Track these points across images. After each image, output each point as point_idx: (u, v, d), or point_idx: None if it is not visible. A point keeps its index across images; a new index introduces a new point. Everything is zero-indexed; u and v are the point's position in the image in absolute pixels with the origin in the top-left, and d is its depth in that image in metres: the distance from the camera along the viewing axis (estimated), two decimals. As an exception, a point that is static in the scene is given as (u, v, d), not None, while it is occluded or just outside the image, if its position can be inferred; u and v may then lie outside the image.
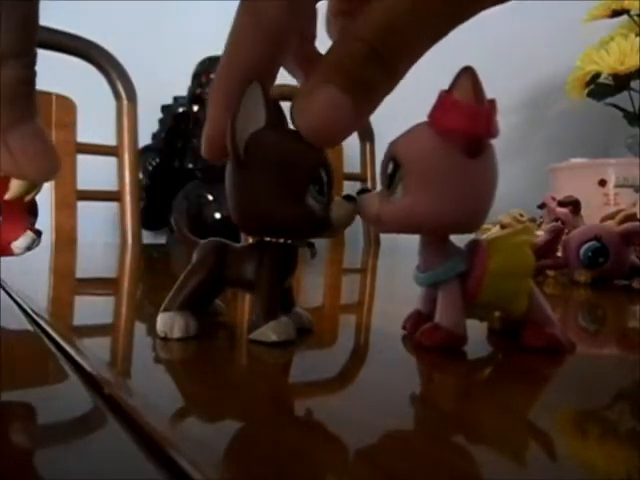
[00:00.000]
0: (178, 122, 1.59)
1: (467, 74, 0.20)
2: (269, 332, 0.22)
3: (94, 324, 0.27)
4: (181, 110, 1.60)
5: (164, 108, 1.61)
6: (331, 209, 0.22)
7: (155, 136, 1.32)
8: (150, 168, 1.56)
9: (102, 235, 1.15)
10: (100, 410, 0.16)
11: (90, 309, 0.23)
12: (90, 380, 0.18)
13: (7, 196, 0.21)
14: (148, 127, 1.25)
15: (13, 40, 0.18)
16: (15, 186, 0.21)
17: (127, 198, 0.92)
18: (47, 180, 0.21)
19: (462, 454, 0.13)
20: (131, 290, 0.44)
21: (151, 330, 0.28)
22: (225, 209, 1.50)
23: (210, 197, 1.53)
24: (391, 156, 0.21)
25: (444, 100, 0.20)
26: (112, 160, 0.90)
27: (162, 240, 1.53)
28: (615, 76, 0.75)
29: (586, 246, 0.48)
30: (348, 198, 0.22)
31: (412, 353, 0.23)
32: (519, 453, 0.13)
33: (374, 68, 0.19)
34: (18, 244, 0.22)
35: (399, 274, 0.66)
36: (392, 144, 0.22)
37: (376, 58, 0.18)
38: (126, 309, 0.35)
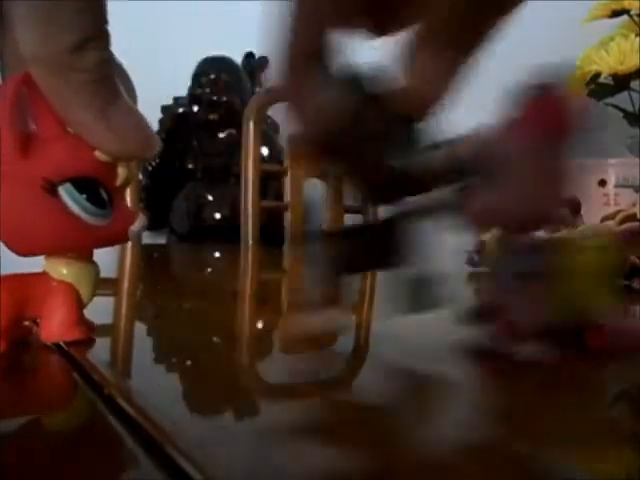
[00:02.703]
0: (178, 123, 1.59)
1: (550, 75, 0.20)
2: None
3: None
4: (181, 111, 1.60)
5: (164, 108, 1.61)
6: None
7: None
8: (150, 168, 1.56)
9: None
10: (100, 410, 0.16)
11: (90, 309, 0.23)
12: (90, 381, 0.18)
13: (117, 182, 0.21)
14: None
15: (91, 24, 0.18)
16: (122, 172, 0.21)
17: (127, 198, 0.92)
18: (151, 154, 0.21)
19: (463, 455, 0.13)
20: (131, 290, 0.44)
21: (151, 330, 0.28)
22: (225, 209, 1.50)
23: (210, 197, 1.53)
24: (486, 153, 0.21)
25: (545, 98, 0.20)
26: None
27: (162, 240, 1.53)
28: (615, 76, 0.75)
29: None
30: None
31: (411, 353, 0.23)
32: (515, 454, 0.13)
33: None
34: (135, 228, 0.22)
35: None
36: (481, 143, 0.22)
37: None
38: (126, 309, 0.35)
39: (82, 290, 0.22)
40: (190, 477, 0.11)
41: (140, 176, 1.47)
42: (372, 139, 0.20)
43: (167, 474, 0.12)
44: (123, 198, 0.22)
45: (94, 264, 0.23)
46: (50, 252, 0.22)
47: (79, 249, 0.22)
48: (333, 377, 0.20)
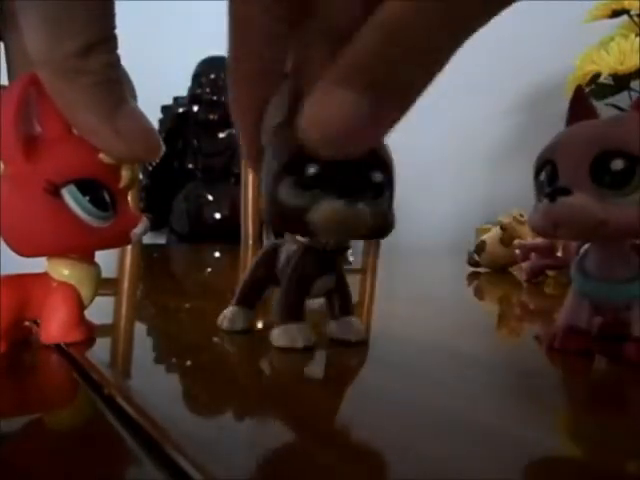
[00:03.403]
0: (178, 123, 1.60)
1: None
2: (275, 336, 0.23)
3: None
4: (181, 110, 1.60)
5: (164, 108, 1.61)
6: (312, 207, 0.18)
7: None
8: (150, 168, 1.56)
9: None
10: (100, 410, 0.16)
11: (90, 309, 0.23)
12: (90, 380, 0.18)
13: (121, 184, 0.21)
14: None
15: (99, 28, 0.18)
16: (126, 174, 0.21)
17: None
18: (155, 157, 0.21)
19: (463, 455, 0.13)
20: (131, 290, 0.44)
21: (151, 330, 0.28)
22: (225, 209, 1.50)
23: (210, 197, 1.53)
24: (617, 152, 0.19)
25: None
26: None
27: (162, 240, 1.53)
28: (615, 76, 0.75)
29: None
30: (349, 199, 0.18)
31: (412, 354, 0.23)
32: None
33: (396, 62, 0.15)
34: (137, 231, 0.22)
35: (399, 274, 0.66)
36: (611, 138, 0.19)
37: (397, 48, 0.15)
38: (126, 309, 0.35)
39: (83, 291, 0.22)
40: (190, 477, 0.11)
41: (140, 176, 1.48)
42: None
43: (167, 474, 0.12)
44: (126, 200, 0.22)
45: (96, 265, 0.23)
46: (52, 253, 0.22)
47: (81, 251, 0.22)
48: (333, 376, 0.20)
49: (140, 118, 0.20)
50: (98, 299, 0.23)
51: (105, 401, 0.16)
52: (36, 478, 0.12)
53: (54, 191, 0.19)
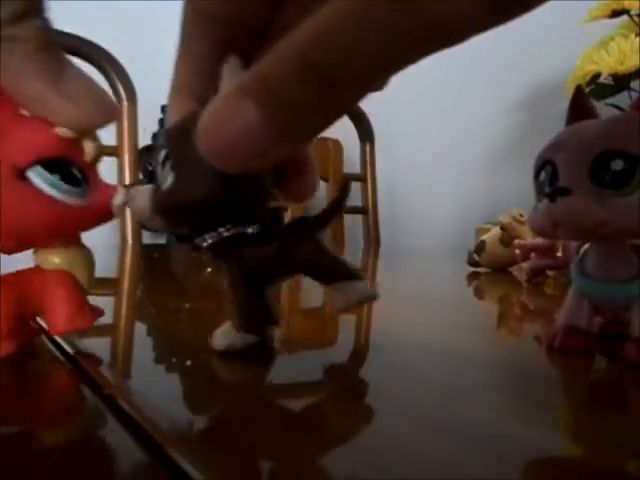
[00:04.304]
0: (178, 122, 1.60)
1: None
2: None
3: (94, 324, 0.27)
4: (181, 110, 1.60)
5: (164, 108, 1.61)
6: None
7: (155, 136, 1.32)
8: (150, 168, 1.56)
9: (102, 235, 1.14)
10: (100, 410, 0.16)
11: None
12: (90, 380, 0.18)
13: (87, 157, 0.21)
14: (148, 127, 1.25)
15: None
16: (89, 147, 0.21)
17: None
18: (109, 120, 0.20)
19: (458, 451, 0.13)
20: (131, 290, 0.44)
21: (151, 330, 0.28)
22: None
23: (210, 197, 1.53)
24: (617, 152, 0.19)
25: None
26: (112, 160, 0.91)
27: (162, 240, 1.53)
28: (615, 76, 0.75)
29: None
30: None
31: (412, 353, 0.23)
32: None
33: (305, 81, 0.14)
34: (117, 202, 0.21)
35: (399, 274, 0.66)
36: (611, 138, 0.19)
37: (308, 68, 0.14)
38: (126, 309, 0.35)
39: (79, 276, 0.22)
40: (190, 477, 0.11)
41: (140, 176, 1.47)
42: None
43: (167, 474, 0.12)
44: (96, 174, 0.21)
45: (85, 248, 0.22)
46: (38, 243, 0.21)
47: (64, 233, 0.21)
48: (332, 376, 0.20)
49: (86, 80, 0.20)
50: (98, 299, 0.23)
51: (105, 401, 0.16)
52: (36, 478, 0.12)
53: (20, 175, 0.19)
